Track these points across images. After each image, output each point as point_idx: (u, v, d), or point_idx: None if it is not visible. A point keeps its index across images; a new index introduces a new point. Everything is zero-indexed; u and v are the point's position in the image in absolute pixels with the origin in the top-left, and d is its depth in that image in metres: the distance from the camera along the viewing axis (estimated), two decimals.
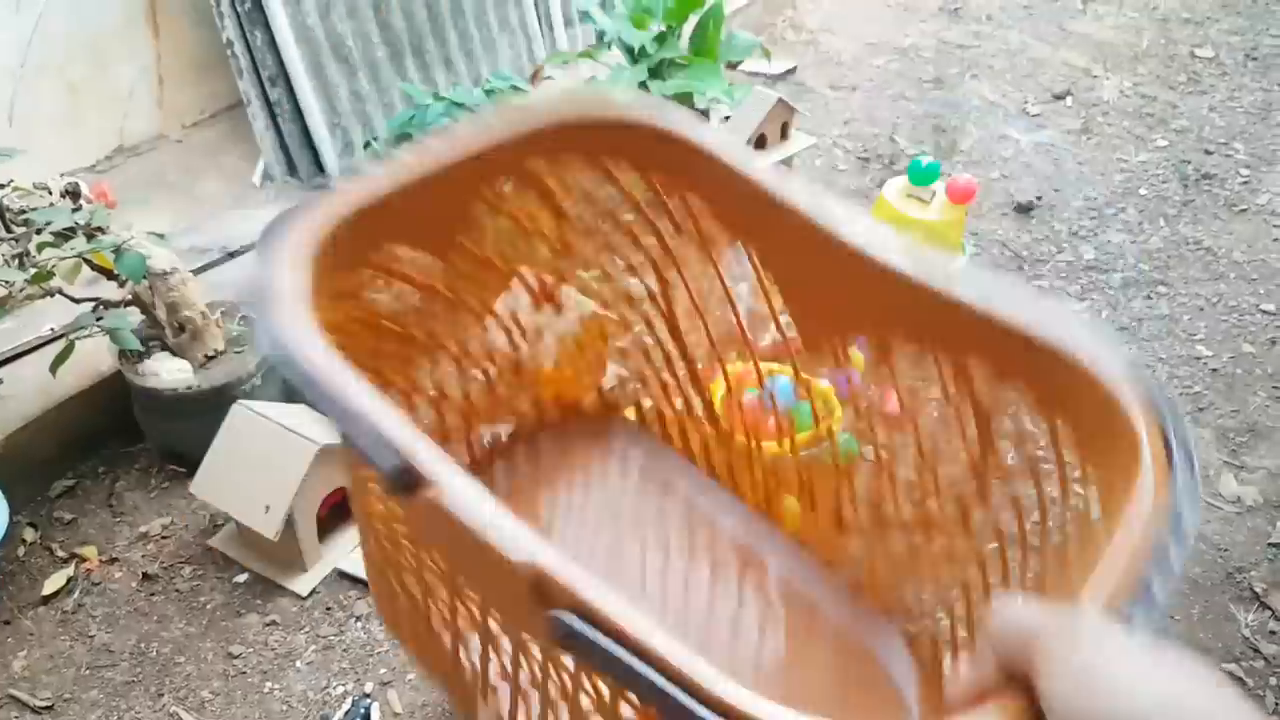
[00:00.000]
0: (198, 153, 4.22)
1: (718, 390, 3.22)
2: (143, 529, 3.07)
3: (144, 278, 2.88)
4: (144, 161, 4.16)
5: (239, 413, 2.89)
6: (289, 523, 2.78)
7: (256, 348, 3.19)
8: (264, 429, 2.84)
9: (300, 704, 2.62)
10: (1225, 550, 2.98)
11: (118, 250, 2.67)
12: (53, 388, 3.15)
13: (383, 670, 2.69)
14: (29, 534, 3.04)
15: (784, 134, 4.23)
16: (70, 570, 2.93)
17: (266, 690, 2.65)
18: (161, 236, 2.86)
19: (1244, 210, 4.49)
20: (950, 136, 4.83)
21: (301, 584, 2.90)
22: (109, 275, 2.92)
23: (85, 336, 2.85)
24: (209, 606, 2.86)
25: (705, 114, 4.35)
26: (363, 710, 2.56)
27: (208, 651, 2.74)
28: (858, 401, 1.38)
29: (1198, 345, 3.75)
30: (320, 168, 3.94)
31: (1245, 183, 4.66)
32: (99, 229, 2.68)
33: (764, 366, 3.13)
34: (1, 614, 2.81)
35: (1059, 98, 5.26)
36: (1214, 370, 3.64)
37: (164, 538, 3.06)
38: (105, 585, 2.92)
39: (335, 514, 3.03)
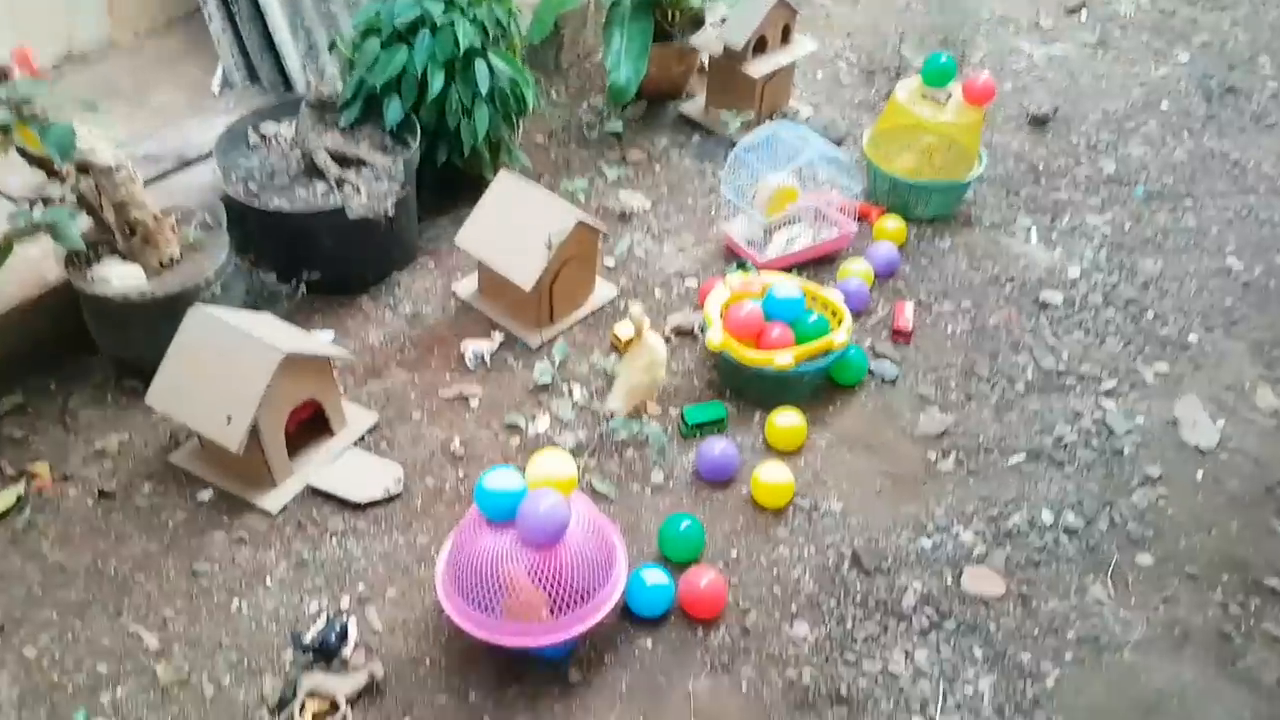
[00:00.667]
0: (152, 62, 4.00)
1: (714, 300, 3.08)
2: (98, 445, 2.90)
3: (82, 168, 2.68)
4: (94, 71, 3.94)
5: (196, 316, 2.71)
6: (254, 436, 2.61)
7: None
8: (224, 334, 2.67)
9: (271, 622, 2.46)
10: (1263, 464, 2.86)
11: (44, 129, 2.45)
12: None
13: (361, 587, 2.54)
14: None
15: (785, 37, 4.05)
16: (20, 488, 2.75)
17: (234, 608, 2.50)
18: (95, 108, 2.65)
19: (1273, 125, 4.34)
20: (959, 49, 4.66)
21: (271, 501, 2.74)
22: (49, 172, 2.73)
23: (25, 235, 2.66)
24: (171, 524, 2.70)
25: (700, 15, 4.18)
26: (339, 627, 2.40)
27: (170, 569, 2.59)
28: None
29: (1228, 258, 3.61)
30: (283, 73, 3.75)
31: (1274, 96, 4.51)
32: (26, 102, 2.47)
33: (768, 276, 2.97)
34: None
35: (1073, 11, 5.09)
36: (1245, 284, 3.51)
37: (121, 454, 2.89)
38: (59, 503, 2.75)
39: (307, 431, 2.87)
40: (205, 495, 2.76)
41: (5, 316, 2.98)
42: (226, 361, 2.63)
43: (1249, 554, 2.64)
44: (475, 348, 3.13)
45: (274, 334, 2.69)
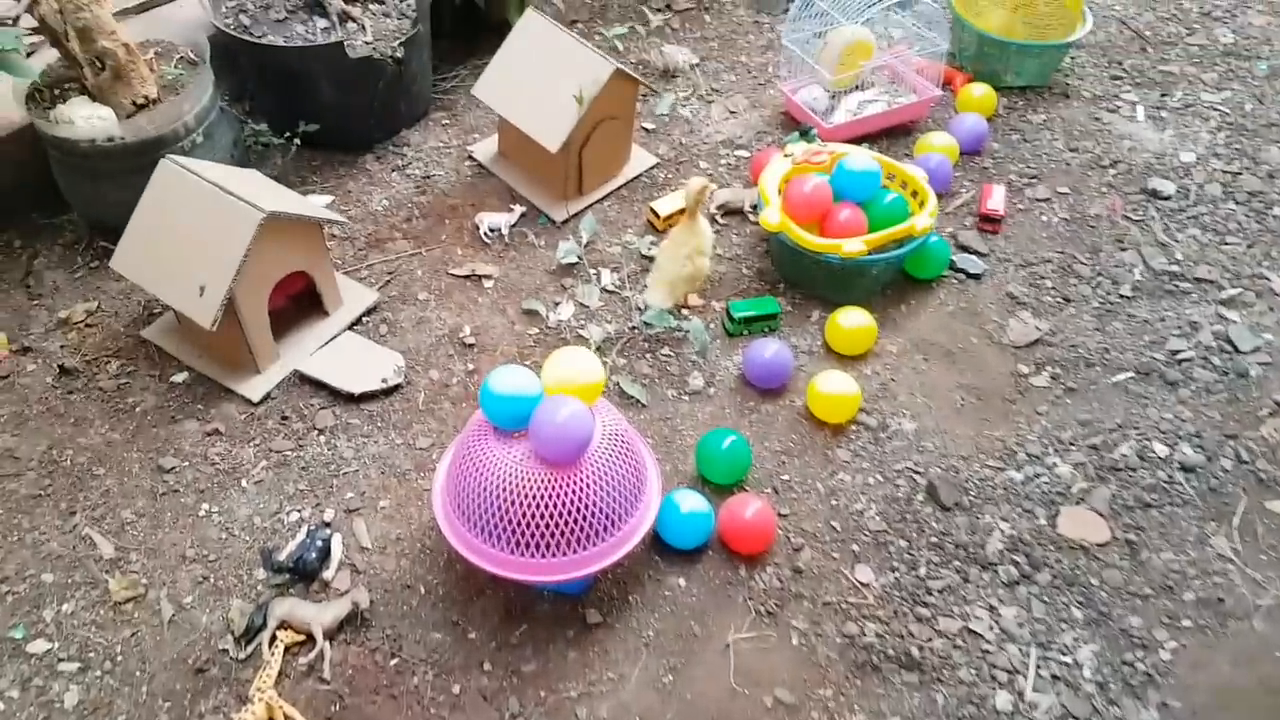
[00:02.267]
0: None
1: (772, 174, 2.48)
2: (63, 314, 2.41)
3: None
4: None
5: (167, 169, 2.17)
6: (233, 312, 2.11)
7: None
8: (198, 192, 2.13)
9: (243, 531, 2.01)
10: None
11: None
12: None
13: (349, 495, 2.07)
14: None
15: None
16: None
17: (202, 513, 2.04)
18: None
19: None
20: None
21: (252, 388, 2.26)
22: None
23: None
24: (139, 409, 2.23)
25: None
26: (320, 541, 1.94)
27: (133, 463, 2.13)
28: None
29: None
30: None
31: None
32: None
33: (836, 147, 2.36)
34: None
35: None
36: None
37: (88, 325, 2.40)
38: (14, 380, 2.28)
39: (297, 310, 2.36)
40: (180, 378, 2.28)
41: None
42: (201, 223, 2.12)
43: None
44: (492, 220, 2.58)
45: (257, 193, 2.15)
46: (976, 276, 2.48)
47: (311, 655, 1.82)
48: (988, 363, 2.31)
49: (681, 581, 1.92)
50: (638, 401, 2.21)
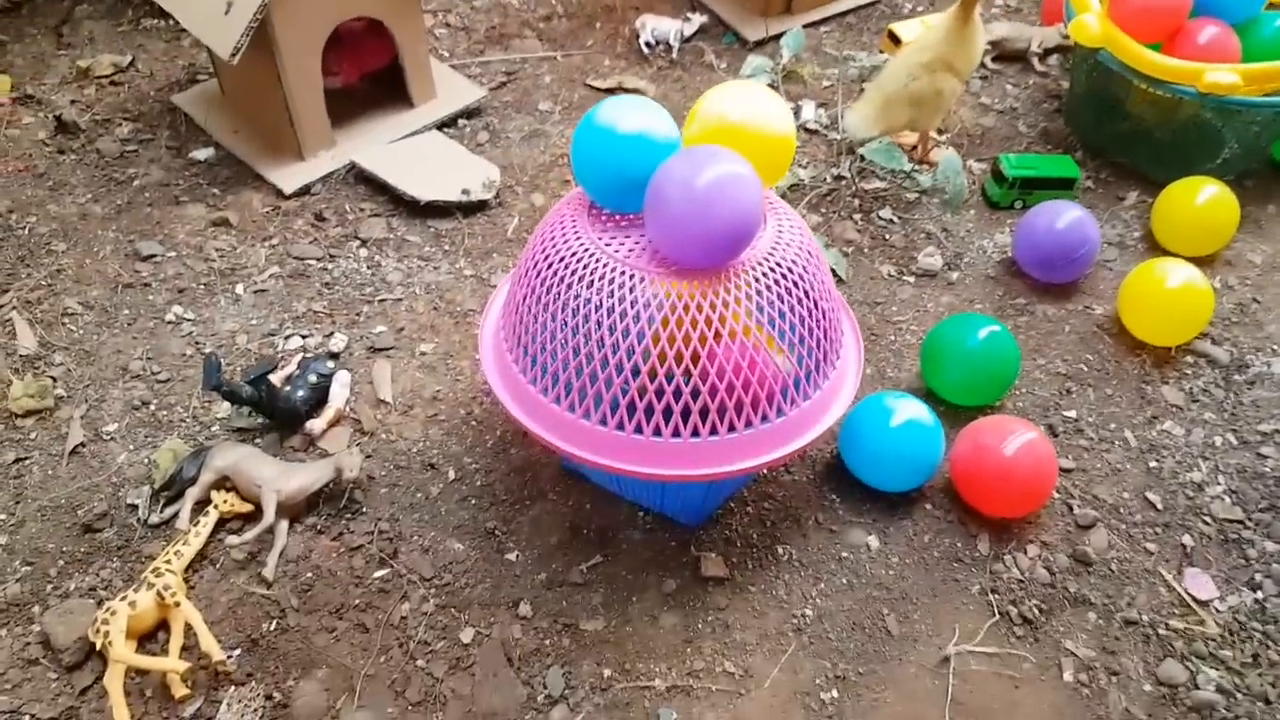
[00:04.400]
0: None
1: None
2: (85, 64, 1.86)
3: None
4: None
5: None
6: (272, 61, 1.49)
7: None
8: None
9: (218, 350, 1.37)
10: None
11: None
12: None
13: (380, 329, 1.40)
14: None
15: None
16: None
17: (170, 318, 1.42)
18: None
19: None
20: None
21: (289, 176, 1.64)
22: None
23: None
24: (137, 183, 1.64)
25: None
26: (316, 376, 1.28)
27: (106, 244, 1.53)
28: None
29: None
30: None
31: None
32: None
33: None
34: None
35: None
36: None
37: (113, 82, 1.85)
38: (1, 129, 1.74)
39: (374, 93, 1.73)
40: (203, 154, 1.69)
41: None
42: None
43: None
44: (658, 27, 1.89)
45: None
46: None
47: (251, 534, 1.14)
48: None
49: (872, 541, 1.15)
50: (835, 275, 1.46)
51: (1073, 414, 1.28)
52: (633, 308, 0.95)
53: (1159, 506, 1.19)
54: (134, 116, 1.78)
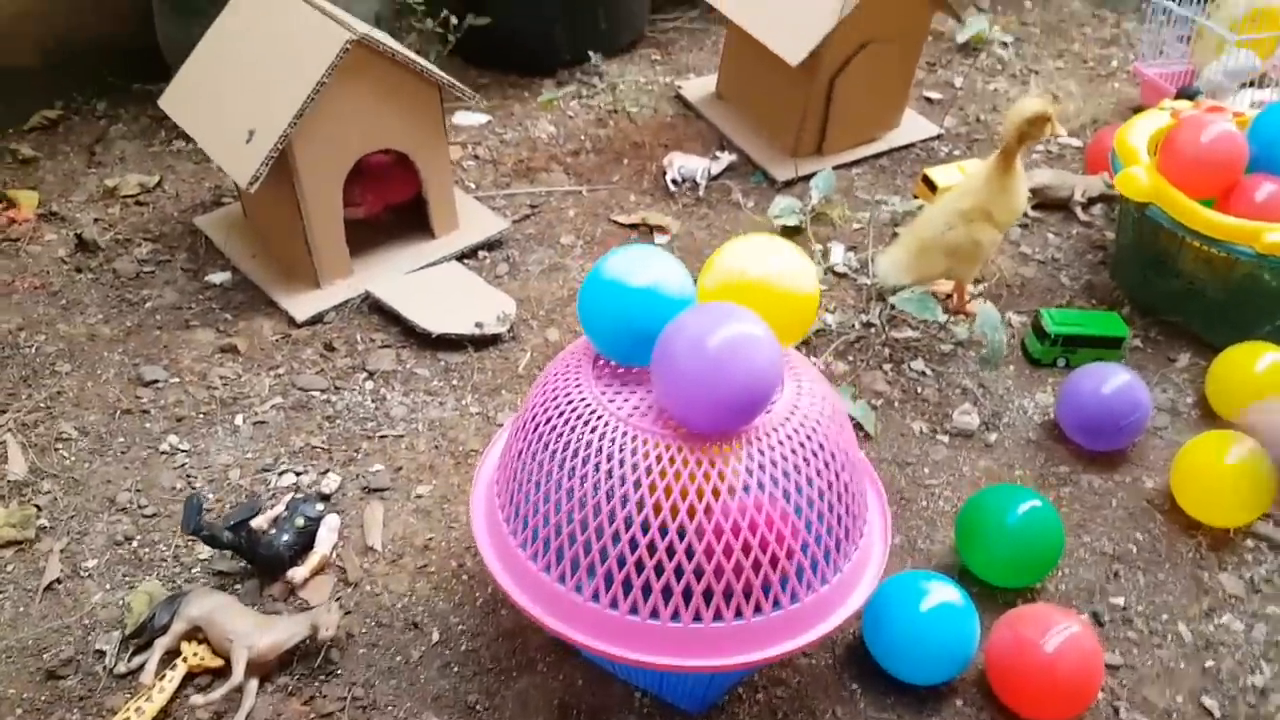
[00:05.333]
0: None
1: (1140, 128, 1.57)
2: (112, 183, 1.88)
3: None
4: None
5: None
6: (291, 187, 1.49)
7: None
8: (281, 10, 1.57)
9: (210, 485, 1.33)
10: None
11: None
12: None
13: (378, 468, 1.35)
14: None
15: None
16: None
17: (164, 448, 1.38)
18: None
19: None
20: None
21: (302, 304, 1.61)
22: None
23: None
24: (149, 304, 1.63)
25: None
26: (304, 519, 1.22)
27: (110, 366, 1.51)
28: None
29: None
30: None
31: None
32: None
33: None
34: None
35: None
36: None
37: (138, 202, 1.86)
38: (22, 246, 1.76)
39: (397, 226, 1.73)
40: (219, 278, 1.68)
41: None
42: (274, 52, 1.56)
43: None
44: (685, 164, 1.88)
45: (360, 22, 1.54)
46: None
47: (218, 693, 1.06)
48: None
49: None
50: (861, 430, 1.39)
51: (1120, 601, 1.18)
52: (633, 472, 0.88)
53: (1216, 714, 1.07)
54: (155, 237, 1.78)
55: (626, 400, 0.95)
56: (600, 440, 0.91)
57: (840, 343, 1.54)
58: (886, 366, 1.51)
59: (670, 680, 1.03)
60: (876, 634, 1.09)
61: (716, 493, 0.88)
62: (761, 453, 0.89)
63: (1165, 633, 1.15)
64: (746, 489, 0.89)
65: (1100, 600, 1.18)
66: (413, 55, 1.56)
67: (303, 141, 1.49)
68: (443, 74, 1.59)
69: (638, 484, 0.88)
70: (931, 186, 1.78)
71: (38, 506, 1.30)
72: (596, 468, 0.90)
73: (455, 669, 1.12)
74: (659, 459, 0.88)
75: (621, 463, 0.89)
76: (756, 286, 0.94)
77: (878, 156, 1.96)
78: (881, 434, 1.40)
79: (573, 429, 0.93)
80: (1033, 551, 1.14)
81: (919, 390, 1.47)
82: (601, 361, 1.00)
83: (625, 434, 0.90)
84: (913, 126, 2.01)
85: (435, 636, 1.15)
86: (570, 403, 0.95)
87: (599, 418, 0.92)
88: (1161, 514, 1.28)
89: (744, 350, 0.86)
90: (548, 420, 0.95)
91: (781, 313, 0.93)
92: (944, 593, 1.06)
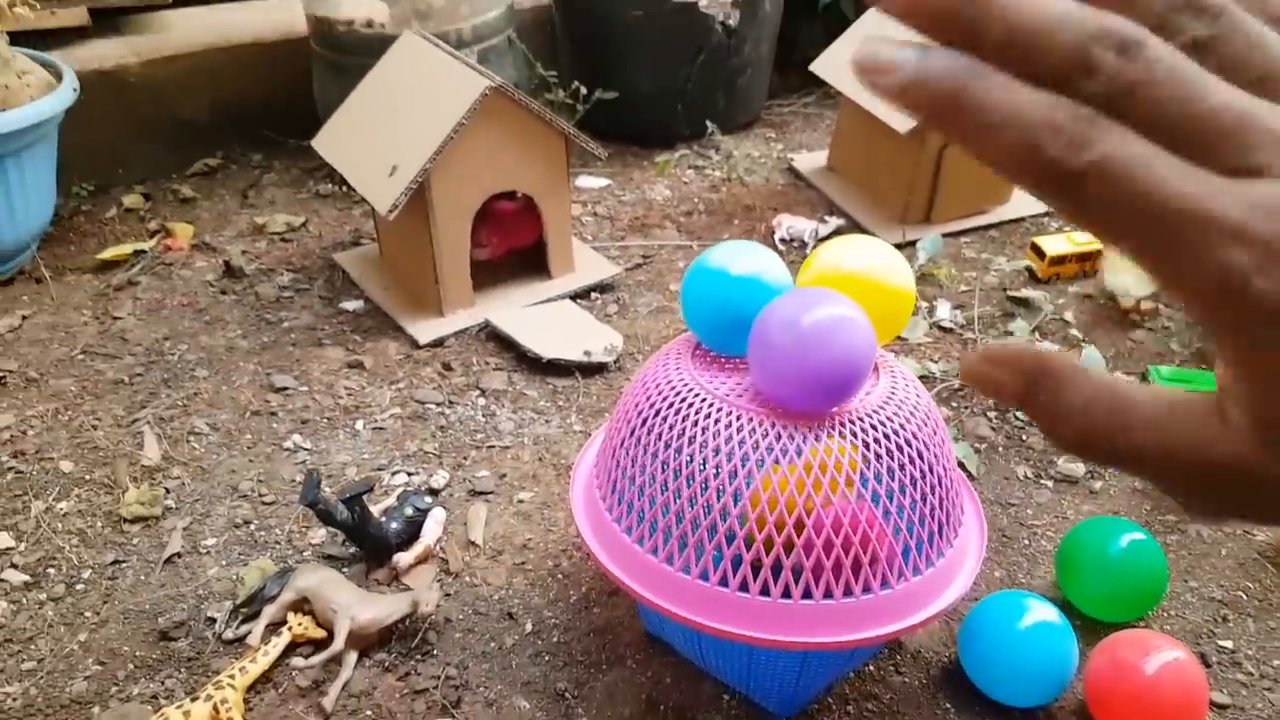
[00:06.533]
0: None
1: None
2: (261, 221, 2.06)
3: None
4: None
5: (407, 40, 1.81)
6: (424, 220, 1.62)
7: None
8: (430, 63, 1.73)
9: (326, 480, 1.41)
10: None
11: None
12: (208, 29, 2.31)
13: (484, 473, 1.41)
14: (132, 199, 2.14)
15: None
16: (146, 244, 1.97)
17: (289, 446, 1.48)
18: None
19: None
20: None
21: (426, 329, 1.72)
22: None
23: None
24: (285, 324, 1.76)
25: None
26: (413, 509, 1.28)
27: (245, 374, 1.63)
28: None
29: None
30: None
31: None
32: None
33: None
34: (39, 269, 1.90)
35: None
36: None
37: (284, 238, 2.03)
38: (174, 270, 1.93)
39: (518, 267, 1.83)
40: (352, 305, 1.81)
41: (238, 51, 2.28)
42: (420, 99, 1.71)
43: None
44: (794, 224, 1.95)
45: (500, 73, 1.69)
46: None
47: (318, 659, 1.11)
48: None
49: None
50: (964, 469, 1.39)
51: (1229, 644, 1.14)
52: (727, 445, 0.92)
53: None
54: (296, 268, 1.93)
55: (724, 383, 1.00)
56: (699, 416, 0.95)
57: (943, 389, 1.55)
58: (991, 414, 1.51)
59: (759, 673, 1.03)
60: (971, 652, 1.07)
61: (809, 468, 0.90)
62: (853, 435, 0.92)
63: (1276, 677, 1.10)
64: (839, 469, 0.91)
65: (1208, 642, 1.14)
66: (543, 107, 1.69)
67: (440, 176, 1.62)
68: (568, 125, 1.72)
69: (730, 456, 0.92)
70: (1040, 254, 1.81)
71: (166, 489, 1.41)
72: (691, 440, 0.94)
73: (546, 658, 1.15)
74: (759, 437, 0.92)
75: (721, 436, 0.93)
76: (852, 279, 0.99)
77: (987, 228, 2.00)
78: (985, 476, 1.40)
79: (672, 407, 0.98)
80: (1135, 584, 1.12)
81: (1023, 437, 1.47)
82: (700, 350, 1.05)
83: (722, 410, 0.94)
84: (1023, 201, 2.04)
85: (529, 627, 1.18)
86: (672, 386, 1.00)
87: (698, 395, 0.97)
88: (1274, 567, 1.24)
89: (838, 329, 0.90)
90: (650, 403, 1.00)
91: (876, 304, 0.97)
92: (1042, 611, 1.05)
